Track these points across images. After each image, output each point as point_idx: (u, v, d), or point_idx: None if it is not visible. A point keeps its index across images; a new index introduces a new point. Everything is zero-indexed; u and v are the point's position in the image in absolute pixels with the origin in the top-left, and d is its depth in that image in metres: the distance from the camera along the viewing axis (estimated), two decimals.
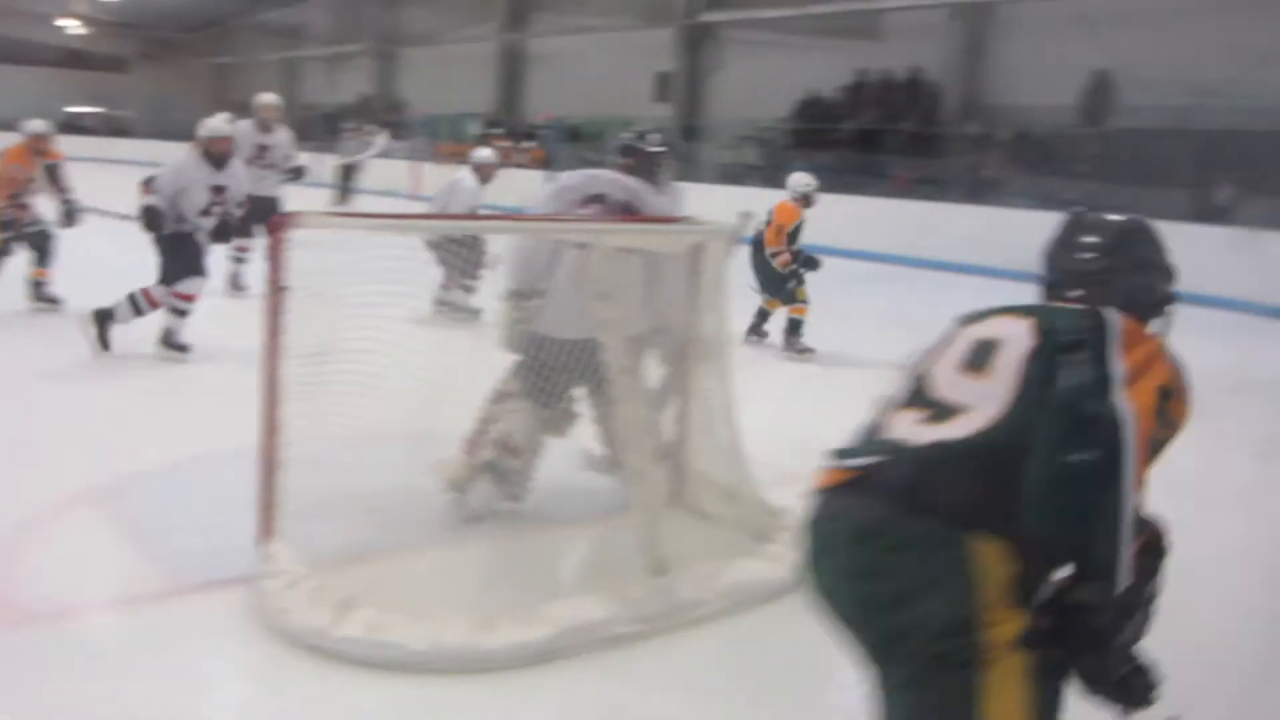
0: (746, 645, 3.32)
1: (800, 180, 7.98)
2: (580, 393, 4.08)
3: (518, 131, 23.30)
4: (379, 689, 2.93)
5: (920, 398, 1.98)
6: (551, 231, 3.98)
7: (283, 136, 9.04)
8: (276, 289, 3.46)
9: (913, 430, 1.92)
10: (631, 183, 4.28)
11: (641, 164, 4.44)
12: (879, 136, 17.01)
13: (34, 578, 3.60)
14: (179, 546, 3.78)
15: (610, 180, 4.26)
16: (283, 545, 3.43)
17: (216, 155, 6.63)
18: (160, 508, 4.18)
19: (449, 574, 3.37)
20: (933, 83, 17.09)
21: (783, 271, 7.71)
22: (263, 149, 8.72)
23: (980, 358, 1.94)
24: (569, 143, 21.75)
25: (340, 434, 3.54)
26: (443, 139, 24.10)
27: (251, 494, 3.52)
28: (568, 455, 4.21)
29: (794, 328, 7.83)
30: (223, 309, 7.67)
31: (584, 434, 4.18)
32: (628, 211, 4.20)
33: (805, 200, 7.93)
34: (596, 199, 4.21)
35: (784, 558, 3.66)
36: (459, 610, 3.14)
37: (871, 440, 1.99)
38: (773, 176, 17.54)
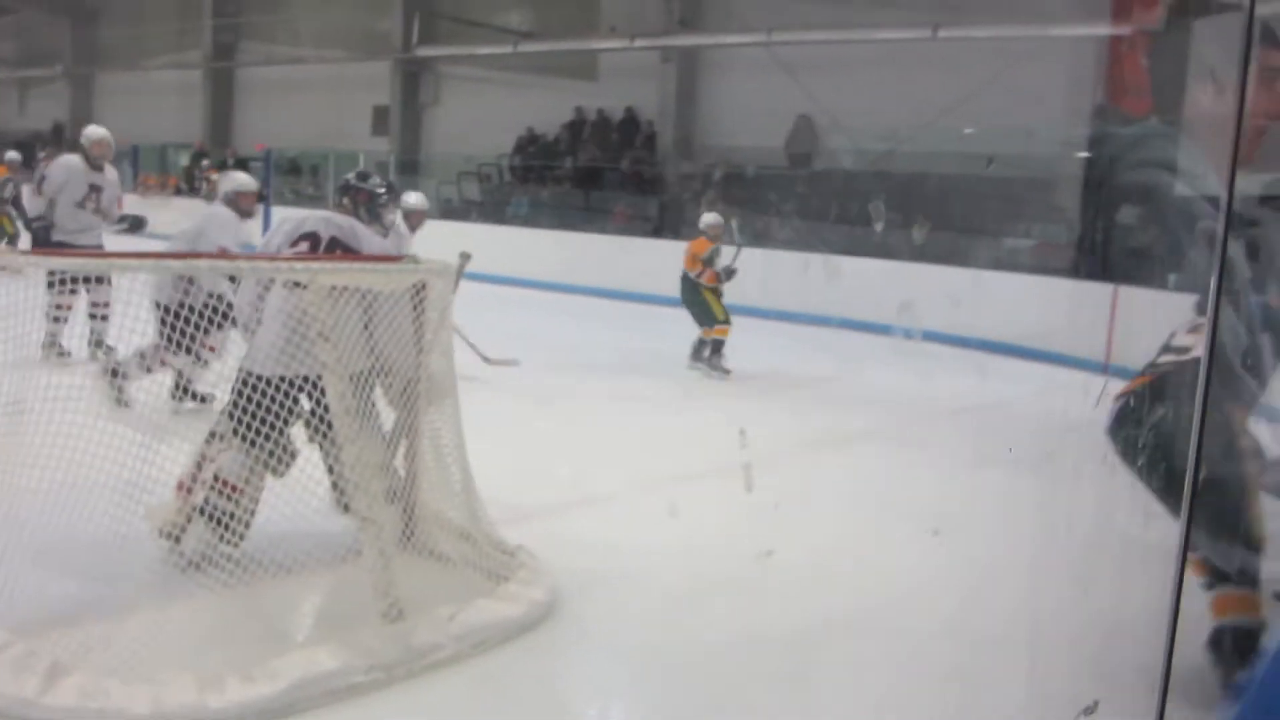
0: (487, 687, 3.30)
1: (706, 220, 9.33)
2: (298, 432, 3.96)
3: (229, 163, 22.39)
4: None
5: None
6: (269, 271, 3.87)
7: (113, 176, 7.94)
8: None
9: None
10: (345, 221, 4.26)
11: (361, 203, 4.43)
12: (599, 174, 17.38)
13: None
14: None
15: (322, 219, 4.25)
16: None
17: None
18: None
19: (168, 631, 3.17)
20: (649, 121, 17.62)
21: (711, 286, 8.99)
22: (94, 189, 7.65)
23: None
24: (285, 175, 21.10)
25: (39, 486, 3.30)
26: (147, 169, 22.87)
27: None
28: (295, 497, 4.08)
29: (716, 348, 8.95)
30: None
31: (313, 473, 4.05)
32: (342, 250, 4.18)
33: (713, 236, 9.20)
34: (308, 237, 4.21)
35: (520, 597, 3.70)
36: (182, 669, 2.98)
37: None
38: (494, 212, 17.66)
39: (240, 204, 6.67)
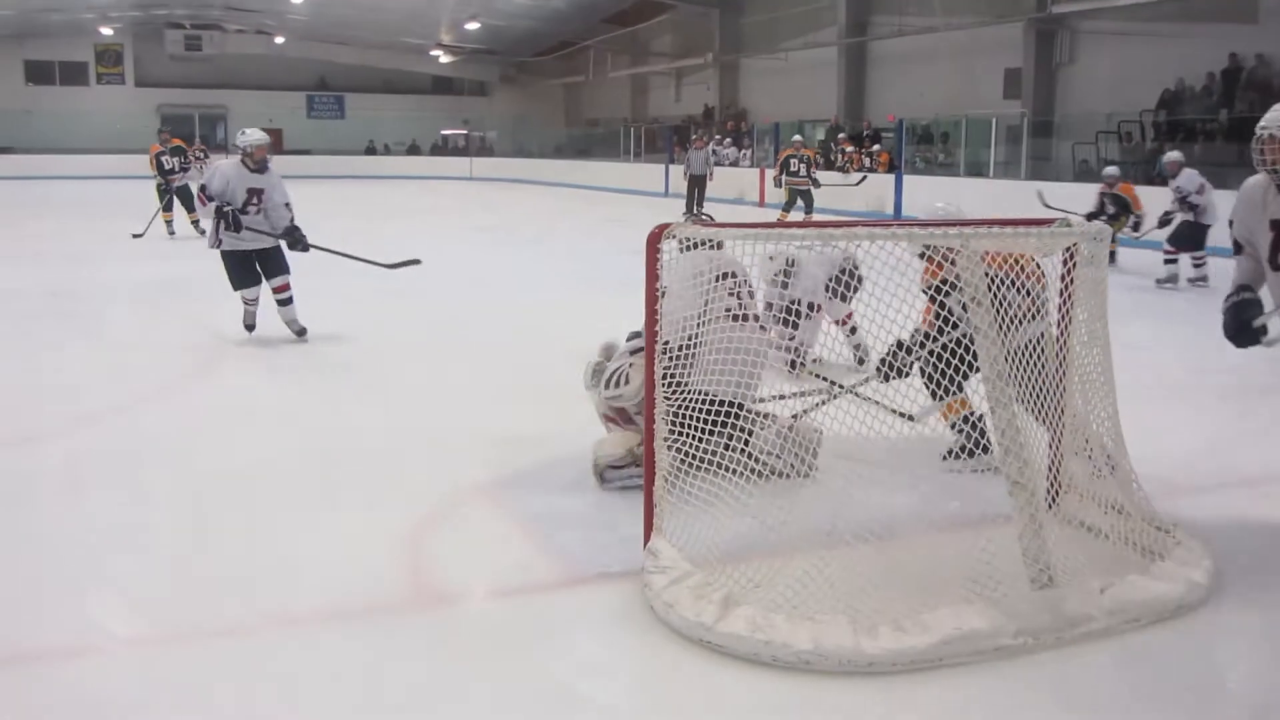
0: (1138, 665, 3.15)
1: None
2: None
3: (862, 135, 23.14)
4: (760, 685, 3.00)
5: None
6: (917, 237, 3.95)
7: (275, 179, 7.71)
8: (654, 295, 3.64)
9: None
10: None
11: None
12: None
13: (437, 564, 3.94)
14: (567, 540, 4.03)
15: None
16: (665, 542, 3.58)
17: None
18: (547, 503, 4.47)
19: (827, 574, 3.39)
20: None
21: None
22: (253, 193, 7.50)
23: None
24: (918, 143, 21.39)
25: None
26: (786, 146, 24.26)
27: (633, 493, 3.71)
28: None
29: None
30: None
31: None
32: None
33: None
34: None
35: (1177, 576, 3.47)
36: (838, 612, 3.17)
37: None
38: (1136, 172, 16.55)
39: None
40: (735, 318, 4.55)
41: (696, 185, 19.12)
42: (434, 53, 38.49)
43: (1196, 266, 10.88)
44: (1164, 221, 11.09)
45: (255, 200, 7.45)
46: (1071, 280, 3.87)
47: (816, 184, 16.17)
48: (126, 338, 8.36)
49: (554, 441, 5.19)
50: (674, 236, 3.70)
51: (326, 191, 25.25)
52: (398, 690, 3.03)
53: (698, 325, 4.36)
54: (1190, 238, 10.81)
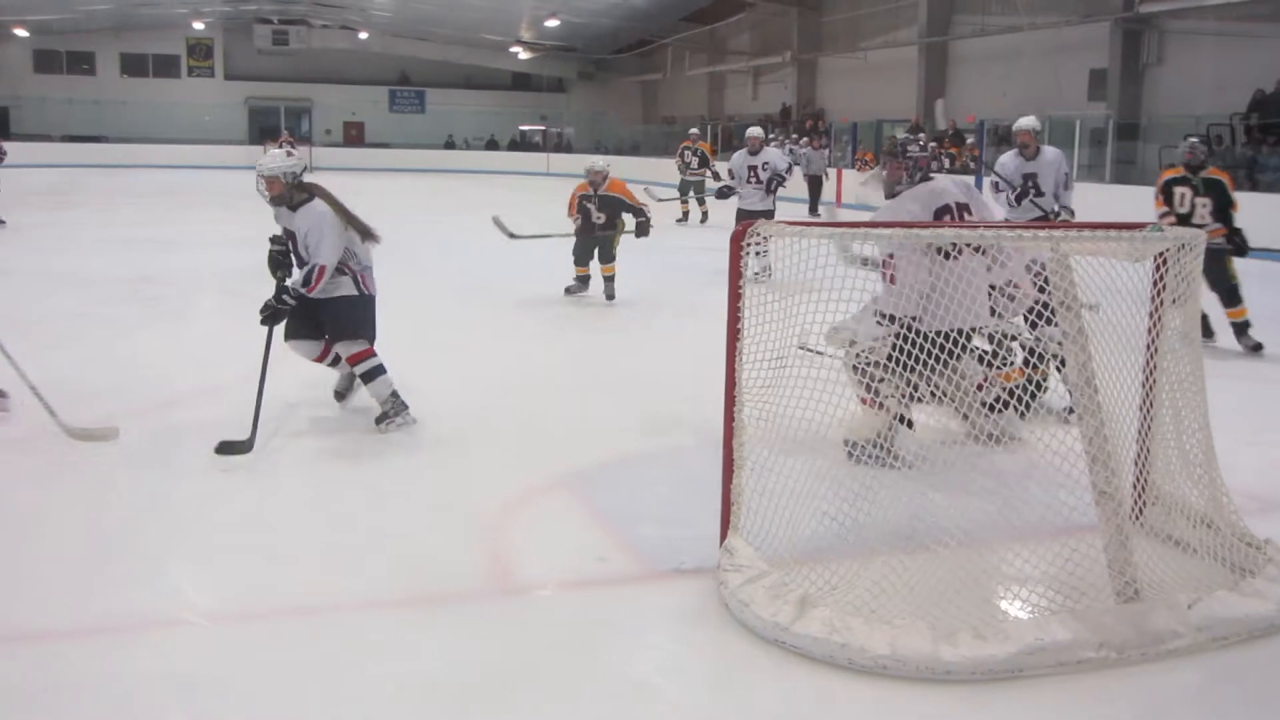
0: (1226, 685, 3.07)
1: None
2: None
3: (944, 135, 22.85)
4: (834, 688, 2.98)
5: None
6: (1008, 240, 3.89)
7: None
8: (736, 293, 3.63)
9: None
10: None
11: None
12: None
13: (515, 553, 3.98)
14: (644, 534, 4.04)
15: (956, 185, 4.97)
16: (741, 540, 3.57)
17: None
18: (625, 497, 4.48)
19: (906, 579, 3.36)
20: None
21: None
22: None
23: None
24: (1000, 145, 21.05)
25: (795, 436, 3.67)
26: (865, 146, 24.05)
27: (708, 487, 3.71)
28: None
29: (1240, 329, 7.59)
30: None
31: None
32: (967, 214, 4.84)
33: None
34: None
35: (1268, 594, 3.38)
36: (918, 618, 3.14)
37: None
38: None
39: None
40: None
41: (814, 185, 19.88)
42: (513, 49, 38.73)
43: None
44: None
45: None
46: (1164, 286, 3.78)
47: (717, 176, 16.20)
48: (210, 325, 8.54)
49: (633, 435, 5.22)
50: (757, 235, 3.67)
51: (407, 184, 25.47)
52: (471, 673, 3.07)
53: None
54: None
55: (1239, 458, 4.01)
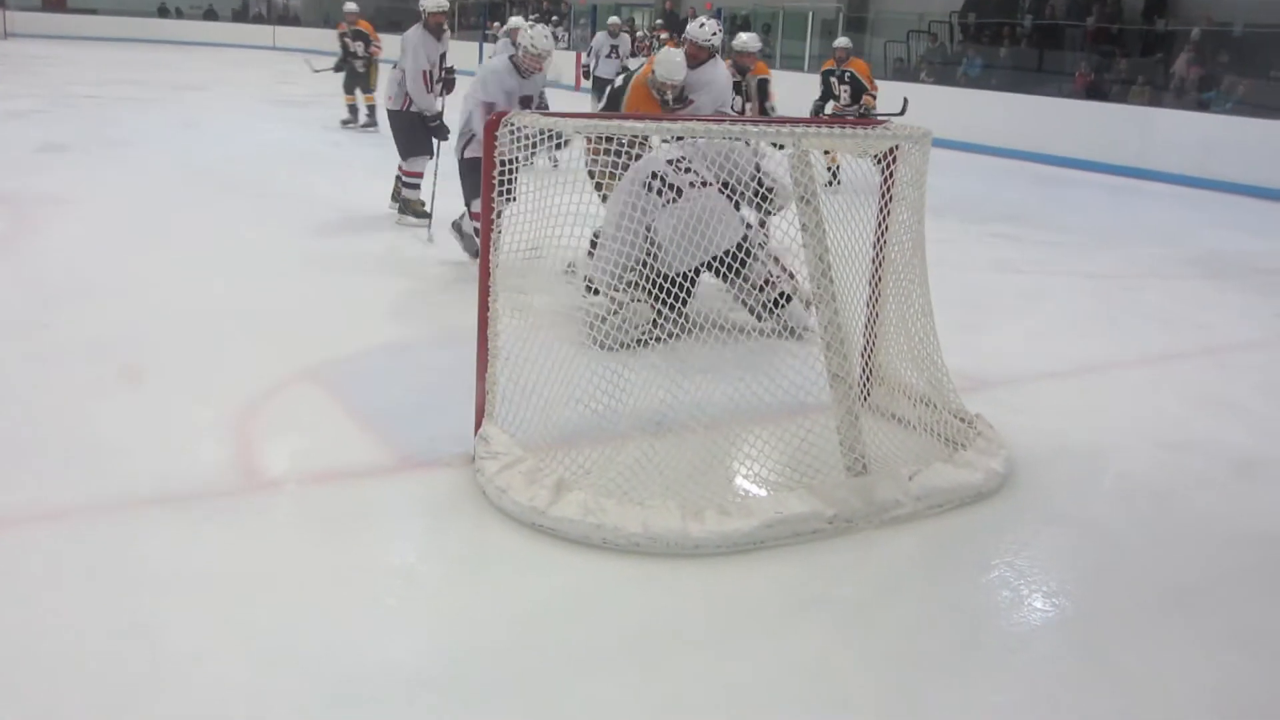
0: (940, 548, 3.38)
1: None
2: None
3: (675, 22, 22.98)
4: (591, 566, 3.10)
5: None
6: (747, 134, 4.03)
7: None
8: (489, 188, 3.62)
9: None
10: None
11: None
12: (1058, 32, 16.25)
13: (263, 450, 3.89)
14: (399, 427, 4.03)
15: None
16: (497, 428, 3.62)
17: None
18: (375, 390, 4.43)
19: (655, 462, 3.51)
20: None
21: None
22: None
23: None
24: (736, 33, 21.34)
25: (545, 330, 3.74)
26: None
27: (462, 380, 3.74)
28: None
29: None
30: None
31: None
32: None
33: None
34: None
35: (977, 464, 3.73)
36: (667, 498, 3.29)
37: None
38: (944, 73, 17.06)
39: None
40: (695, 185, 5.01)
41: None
42: None
43: None
44: None
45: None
46: (892, 182, 4.01)
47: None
48: None
49: (383, 326, 5.15)
50: (510, 124, 3.65)
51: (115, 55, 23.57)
52: (232, 574, 3.00)
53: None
54: None
55: (954, 340, 4.33)
